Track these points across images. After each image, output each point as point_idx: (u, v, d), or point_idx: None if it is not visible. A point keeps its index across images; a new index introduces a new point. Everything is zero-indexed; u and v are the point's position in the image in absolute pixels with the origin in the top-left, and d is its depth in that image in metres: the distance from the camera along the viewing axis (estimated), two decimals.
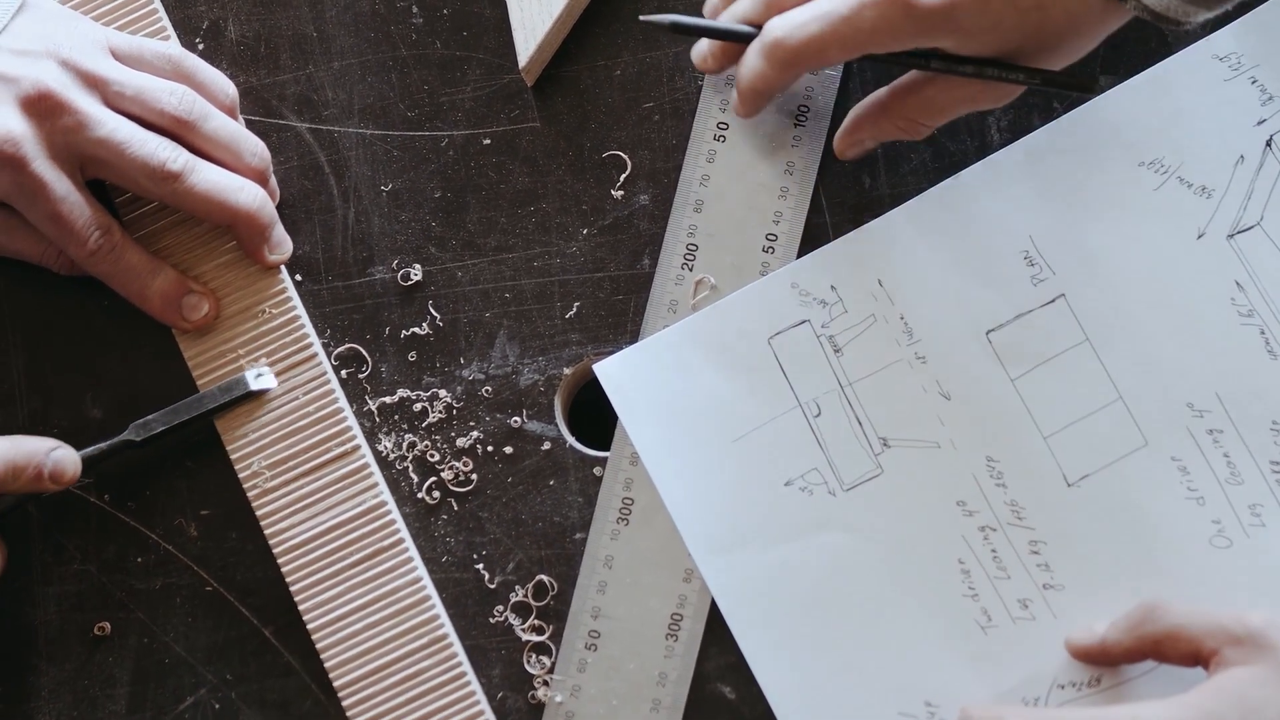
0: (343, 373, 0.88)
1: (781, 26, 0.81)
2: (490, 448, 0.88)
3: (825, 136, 0.89)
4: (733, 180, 0.89)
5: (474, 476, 0.88)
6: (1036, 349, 0.85)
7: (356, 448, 0.87)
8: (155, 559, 0.87)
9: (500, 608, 0.86)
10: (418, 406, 0.88)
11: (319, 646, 0.85)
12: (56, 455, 0.83)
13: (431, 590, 0.86)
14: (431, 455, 0.88)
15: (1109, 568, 0.83)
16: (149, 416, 0.86)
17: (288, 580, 0.86)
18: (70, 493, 0.88)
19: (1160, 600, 0.79)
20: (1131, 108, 0.86)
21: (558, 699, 0.85)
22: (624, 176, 0.90)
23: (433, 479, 0.88)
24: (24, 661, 0.87)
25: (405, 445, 0.88)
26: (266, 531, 0.86)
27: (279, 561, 0.86)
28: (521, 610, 0.86)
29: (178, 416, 0.86)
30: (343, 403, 0.87)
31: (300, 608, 0.85)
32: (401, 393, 0.88)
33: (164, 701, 0.86)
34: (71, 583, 0.87)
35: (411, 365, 0.89)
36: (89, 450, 0.85)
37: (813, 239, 0.88)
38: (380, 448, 0.88)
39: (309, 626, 0.85)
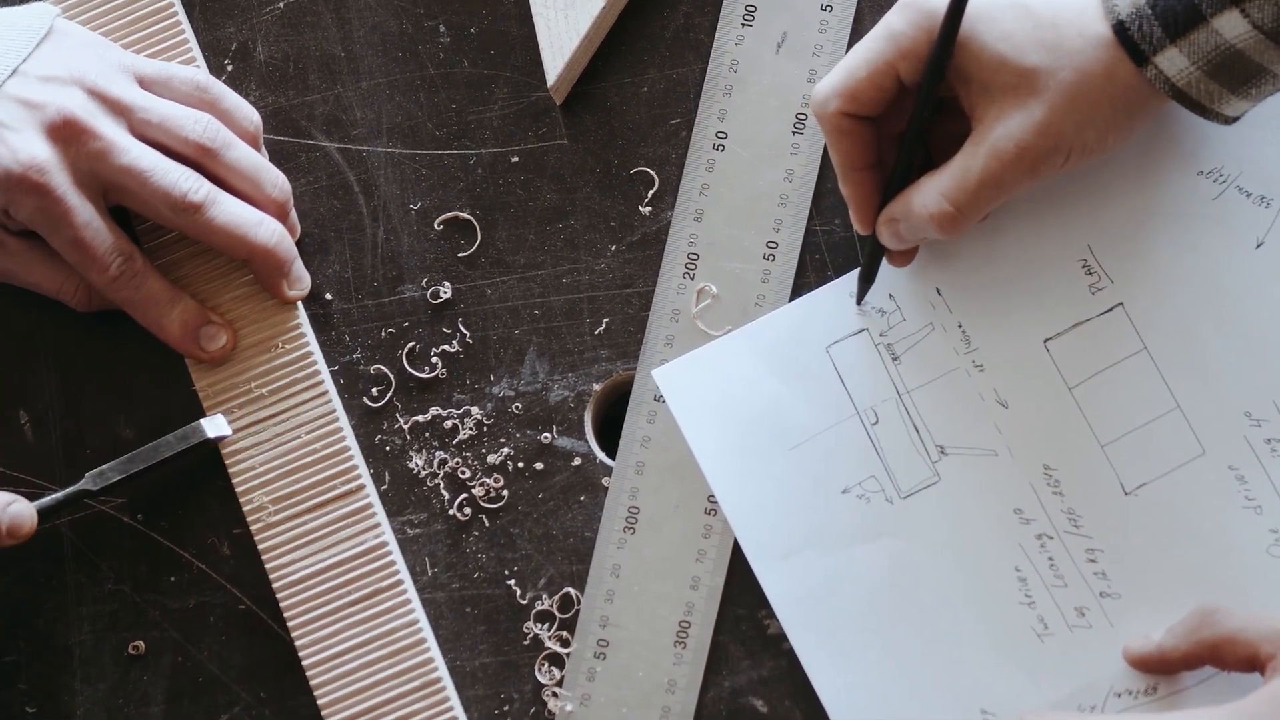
0: (374, 390, 0.89)
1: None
2: (521, 464, 0.88)
3: (824, 144, 0.89)
4: (732, 189, 0.89)
5: (505, 493, 0.88)
6: (1094, 358, 0.85)
7: (360, 487, 0.87)
8: (188, 578, 0.88)
9: (531, 624, 0.86)
10: (449, 424, 0.88)
11: (313, 684, 0.85)
12: (13, 510, 0.83)
13: (428, 632, 0.86)
14: (463, 472, 0.88)
15: (1166, 576, 0.83)
16: (104, 466, 0.86)
17: (285, 616, 0.86)
18: (103, 513, 0.88)
19: (1217, 605, 0.79)
20: (1190, 117, 0.86)
21: (568, 708, 0.85)
22: (651, 193, 0.90)
23: (464, 495, 0.88)
24: (59, 682, 0.87)
25: (436, 462, 0.88)
26: (267, 566, 0.86)
27: (278, 597, 0.86)
28: (545, 619, 0.86)
29: (133, 465, 0.86)
30: (350, 441, 0.88)
31: (296, 644, 0.86)
32: (433, 410, 0.88)
33: None
34: (105, 603, 0.88)
35: (442, 383, 0.89)
36: (44, 501, 0.85)
37: (836, 249, 0.88)
38: (411, 465, 0.88)
39: (304, 663, 0.85)
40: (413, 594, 0.86)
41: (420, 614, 0.86)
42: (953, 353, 0.86)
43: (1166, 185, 0.86)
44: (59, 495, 0.86)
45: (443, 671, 0.85)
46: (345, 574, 0.86)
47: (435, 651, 0.86)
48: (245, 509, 0.87)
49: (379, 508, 0.87)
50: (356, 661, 0.85)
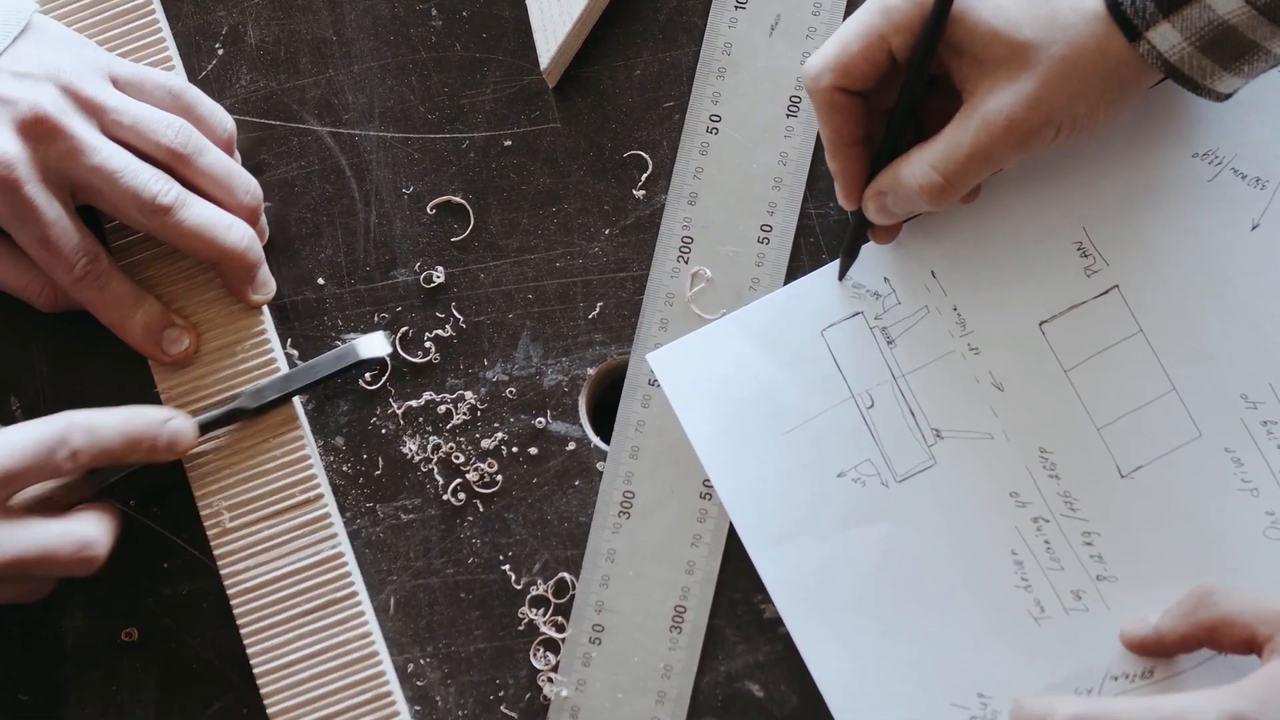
0: (367, 375, 0.88)
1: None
2: (515, 449, 0.88)
3: (817, 127, 0.89)
4: (726, 172, 0.89)
5: (499, 478, 0.87)
6: (1090, 340, 0.85)
7: (319, 496, 0.86)
8: (182, 565, 0.87)
9: (526, 609, 0.86)
10: (442, 409, 0.88)
11: (263, 691, 0.85)
12: (173, 425, 0.84)
13: (380, 645, 0.85)
14: (456, 457, 0.88)
15: (1162, 559, 0.83)
16: (262, 383, 0.86)
17: (239, 622, 0.85)
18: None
19: (1214, 587, 0.79)
20: (1184, 98, 0.86)
21: (563, 693, 0.85)
22: (645, 176, 0.90)
23: (458, 480, 0.87)
24: (52, 668, 0.87)
25: (430, 447, 0.88)
26: (222, 572, 0.86)
27: (232, 604, 0.86)
28: (540, 604, 0.86)
29: (290, 385, 0.86)
30: (310, 449, 0.87)
31: (248, 651, 0.85)
32: (426, 395, 0.88)
33: (192, 707, 0.86)
34: (98, 589, 0.87)
35: (435, 367, 0.89)
36: (204, 417, 0.85)
37: (831, 232, 0.88)
38: (405, 450, 0.88)
39: (255, 670, 0.85)
40: (366, 605, 0.86)
41: (374, 625, 0.85)
42: (948, 335, 0.86)
43: (1162, 167, 0.86)
44: (218, 412, 0.86)
45: (393, 684, 0.85)
46: (299, 583, 0.86)
47: (387, 664, 0.85)
48: (203, 514, 0.86)
49: (336, 518, 0.87)
50: (308, 672, 0.85)
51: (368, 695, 0.85)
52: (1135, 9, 0.76)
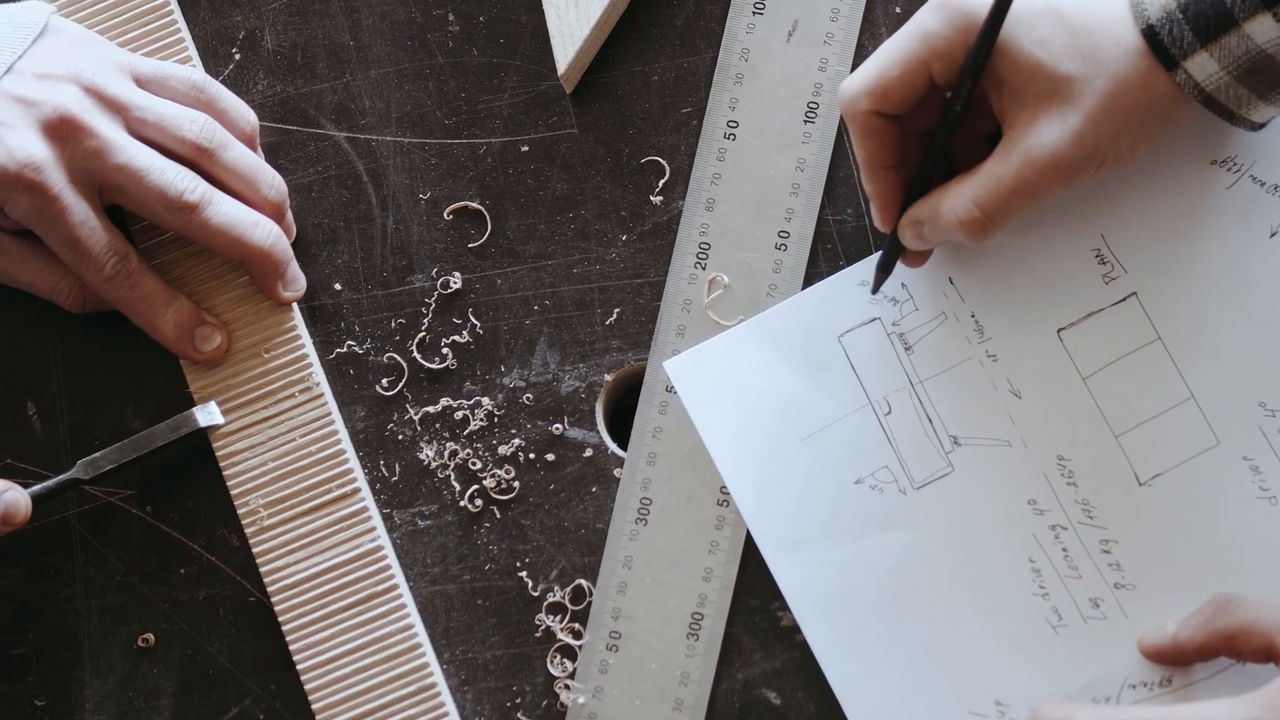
0: (384, 380, 0.88)
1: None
2: (532, 455, 0.88)
3: (835, 132, 0.88)
4: (744, 178, 0.89)
5: (516, 484, 0.87)
6: (1108, 348, 0.85)
7: (356, 490, 0.86)
8: (198, 570, 0.87)
9: (543, 616, 0.86)
10: (459, 414, 0.88)
11: (308, 688, 0.85)
12: (8, 498, 0.83)
13: (423, 637, 0.85)
14: (473, 463, 0.88)
15: (1180, 567, 0.83)
16: (96, 454, 0.86)
17: (280, 620, 0.85)
18: (112, 505, 0.88)
19: (1232, 595, 0.79)
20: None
21: (580, 700, 0.85)
22: (663, 182, 0.89)
23: (475, 487, 0.87)
24: (68, 674, 0.87)
25: (447, 453, 0.88)
26: (261, 570, 0.86)
27: (272, 601, 0.86)
28: (557, 611, 0.86)
29: (125, 455, 0.86)
30: (345, 444, 0.87)
31: (291, 648, 0.85)
32: (443, 401, 0.88)
33: (208, 713, 0.86)
34: (114, 595, 0.87)
35: (452, 373, 0.88)
36: (35, 489, 0.85)
37: (849, 239, 0.88)
38: (422, 456, 0.88)
39: (299, 667, 0.85)
40: (408, 598, 0.86)
41: (415, 619, 0.86)
42: (965, 342, 0.86)
43: (1180, 174, 0.86)
44: (50, 483, 0.85)
45: (438, 677, 0.85)
46: (340, 578, 0.86)
47: (431, 656, 0.85)
48: (240, 512, 0.87)
49: (374, 511, 0.87)
50: (352, 666, 0.85)
51: (413, 688, 0.85)
52: (1173, 38, 0.76)
